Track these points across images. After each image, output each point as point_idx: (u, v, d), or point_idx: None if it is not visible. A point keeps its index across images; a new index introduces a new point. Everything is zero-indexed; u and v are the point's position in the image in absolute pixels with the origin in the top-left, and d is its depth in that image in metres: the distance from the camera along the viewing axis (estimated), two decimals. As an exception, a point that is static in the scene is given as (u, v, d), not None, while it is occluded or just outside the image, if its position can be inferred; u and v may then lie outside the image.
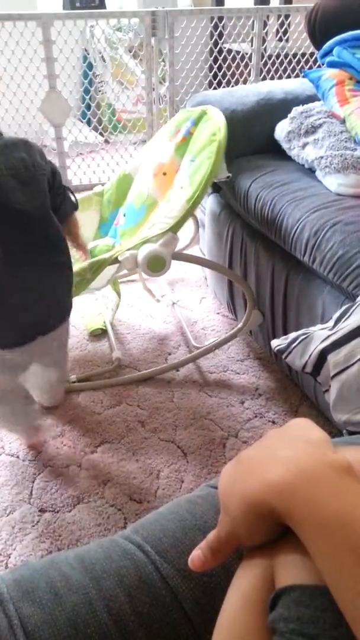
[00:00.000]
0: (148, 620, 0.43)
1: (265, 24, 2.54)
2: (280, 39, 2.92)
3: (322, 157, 1.29)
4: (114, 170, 2.59)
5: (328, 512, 0.31)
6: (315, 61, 2.42)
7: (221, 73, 2.64)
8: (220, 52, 2.65)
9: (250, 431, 1.27)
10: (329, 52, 1.47)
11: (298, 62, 2.71)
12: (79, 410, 1.32)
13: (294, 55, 2.70)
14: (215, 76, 2.65)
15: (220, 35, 2.71)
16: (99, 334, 1.59)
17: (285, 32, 2.87)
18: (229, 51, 2.74)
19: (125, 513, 1.08)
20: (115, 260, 1.23)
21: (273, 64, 2.64)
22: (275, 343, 1.04)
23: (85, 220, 1.59)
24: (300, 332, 1.01)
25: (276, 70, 2.67)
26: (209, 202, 1.63)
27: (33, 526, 1.05)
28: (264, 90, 1.54)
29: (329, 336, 0.93)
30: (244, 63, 2.71)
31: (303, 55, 2.72)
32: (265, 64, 2.61)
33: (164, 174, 1.41)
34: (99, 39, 2.92)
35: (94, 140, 2.74)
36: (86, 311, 1.68)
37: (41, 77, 2.33)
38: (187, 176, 1.29)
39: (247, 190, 1.36)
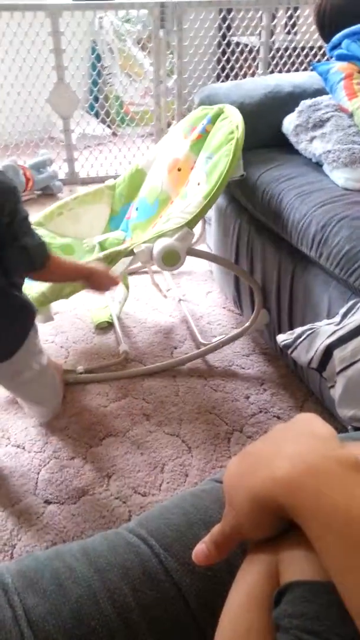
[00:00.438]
0: (152, 614, 0.43)
1: (273, 17, 2.52)
2: (288, 32, 2.89)
3: (329, 151, 1.28)
4: (122, 163, 2.58)
5: (335, 508, 0.31)
6: (323, 54, 2.40)
7: (229, 66, 2.62)
8: (228, 44, 2.63)
9: (255, 426, 1.27)
10: (337, 45, 1.46)
11: (306, 55, 2.69)
12: (85, 403, 1.32)
13: (302, 48, 2.68)
14: (223, 69, 2.64)
15: (229, 27, 2.70)
16: (105, 327, 1.60)
17: (293, 25, 2.85)
18: (237, 44, 2.72)
19: (129, 506, 1.08)
20: (130, 253, 1.23)
21: (281, 57, 2.62)
22: (281, 338, 1.04)
23: (96, 213, 1.60)
24: (306, 327, 1.00)
25: (284, 64, 2.65)
26: (216, 196, 1.63)
27: (38, 517, 1.06)
28: (271, 83, 1.53)
29: (335, 331, 0.93)
30: (252, 56, 2.69)
31: (311, 48, 2.70)
32: (273, 57, 2.59)
33: (179, 170, 1.41)
34: (108, 31, 2.90)
35: (102, 132, 2.74)
36: (93, 304, 1.68)
37: (49, 68, 2.32)
38: (204, 173, 1.30)
39: (254, 184, 1.35)
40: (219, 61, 2.66)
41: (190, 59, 2.51)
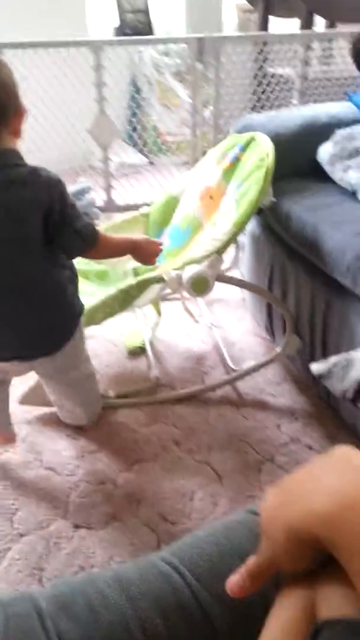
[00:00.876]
0: None
1: (308, 48, 2.56)
2: (324, 63, 2.93)
3: (366, 181, 1.28)
4: (158, 191, 2.63)
5: None
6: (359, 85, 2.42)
7: (265, 96, 2.66)
8: (264, 75, 2.68)
9: (287, 456, 1.25)
10: (374, 77, 1.47)
11: (342, 85, 2.71)
12: (116, 427, 1.33)
13: (338, 79, 2.71)
14: (258, 99, 2.68)
15: (265, 59, 2.75)
16: (137, 352, 1.61)
17: (329, 56, 2.88)
18: (273, 75, 2.77)
19: (158, 534, 1.08)
20: (160, 280, 1.25)
21: (316, 87, 2.65)
22: (315, 367, 1.02)
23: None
24: (340, 356, 0.99)
25: (320, 94, 2.68)
26: (250, 224, 1.64)
27: (67, 542, 1.06)
28: (307, 113, 1.55)
29: (371, 362, 0.91)
30: (287, 86, 2.72)
31: (346, 78, 2.72)
32: (308, 88, 2.62)
33: (211, 197, 1.43)
34: (147, 64, 3.00)
35: (139, 161, 2.80)
36: (125, 328, 1.70)
37: (91, 100, 2.41)
38: (234, 200, 1.31)
39: (289, 213, 1.36)
40: (254, 91, 2.71)
41: (227, 89, 2.56)
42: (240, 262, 1.77)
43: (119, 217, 2.56)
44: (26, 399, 1.37)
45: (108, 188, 2.60)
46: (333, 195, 1.36)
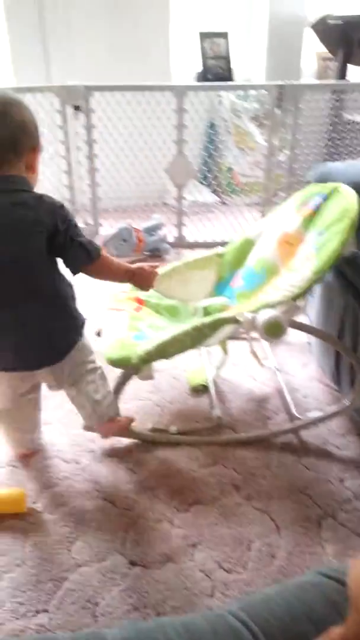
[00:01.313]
0: None
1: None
2: None
3: None
4: (227, 230, 2.68)
5: None
6: None
7: (342, 143, 2.67)
8: (340, 122, 2.69)
9: (350, 513, 1.20)
10: None
11: None
12: (175, 465, 1.33)
13: None
14: (334, 145, 2.69)
15: (342, 106, 2.77)
16: (200, 390, 1.61)
17: None
18: (351, 122, 2.78)
19: (213, 581, 1.06)
20: (234, 320, 1.26)
21: None
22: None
23: (203, 278, 1.66)
24: None
25: None
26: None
27: (122, 578, 1.06)
28: (388, 164, 1.54)
29: None
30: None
31: None
32: (387, 136, 2.62)
33: (289, 243, 1.44)
34: (226, 107, 3.09)
35: (211, 200, 2.86)
36: (189, 365, 1.71)
37: (170, 141, 2.50)
38: (314, 248, 1.31)
39: (365, 263, 1.34)
40: (330, 138, 2.72)
41: (303, 135, 2.59)
42: (309, 307, 1.75)
43: (188, 253, 2.62)
44: (88, 426, 1.40)
45: (180, 225, 2.67)
46: None
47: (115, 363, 1.32)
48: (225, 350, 1.62)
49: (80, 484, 1.28)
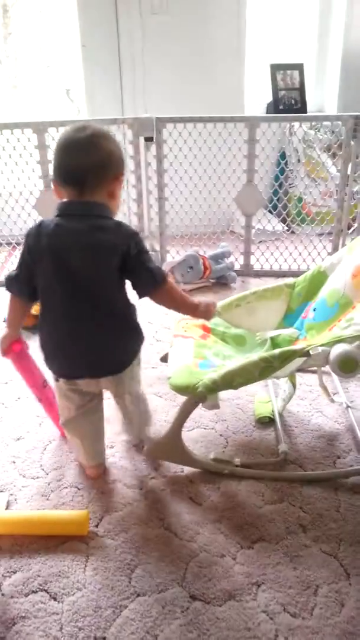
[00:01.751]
0: None
1: None
2: None
3: None
4: (296, 259, 2.65)
5: None
6: None
7: None
8: None
9: None
10: None
11: None
12: (239, 499, 1.30)
13: None
14: None
15: None
16: (266, 422, 1.58)
17: None
18: None
19: (277, 624, 1.01)
20: (305, 354, 1.23)
21: None
22: None
23: (272, 308, 1.63)
24: None
25: None
26: None
27: (182, 612, 1.03)
28: None
29: None
30: None
31: None
32: None
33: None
34: (298, 137, 3.08)
35: (279, 229, 2.85)
36: (256, 396, 1.68)
37: (240, 171, 2.52)
38: None
39: None
40: None
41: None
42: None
43: (254, 282, 2.61)
44: (150, 453, 1.40)
45: (247, 253, 2.67)
46: None
47: (180, 390, 1.32)
48: (293, 384, 1.59)
49: (142, 510, 1.27)
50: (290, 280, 1.67)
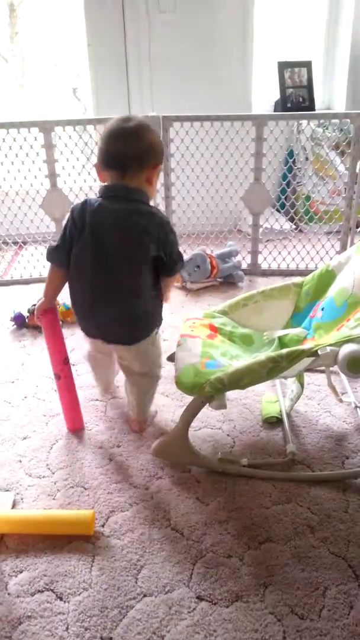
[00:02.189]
0: None
1: None
2: None
3: None
4: (303, 258, 2.63)
5: None
6: None
7: None
8: None
9: None
10: None
11: None
12: (247, 499, 1.29)
13: None
14: None
15: None
16: (273, 422, 1.57)
17: None
18: None
19: (285, 626, 1.00)
20: (314, 353, 1.22)
21: None
22: None
23: (280, 308, 1.62)
24: None
25: None
26: None
27: (189, 612, 1.03)
28: None
29: None
30: None
31: None
32: None
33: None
34: (306, 135, 3.07)
35: (287, 228, 2.83)
36: (263, 396, 1.67)
37: (248, 169, 2.51)
38: None
39: None
40: None
41: (386, 164, 2.51)
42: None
43: (262, 281, 2.59)
44: (157, 453, 1.39)
45: (254, 252, 2.65)
46: None
47: (187, 389, 1.31)
48: (301, 384, 1.57)
49: (148, 510, 1.27)
50: (298, 279, 1.66)
